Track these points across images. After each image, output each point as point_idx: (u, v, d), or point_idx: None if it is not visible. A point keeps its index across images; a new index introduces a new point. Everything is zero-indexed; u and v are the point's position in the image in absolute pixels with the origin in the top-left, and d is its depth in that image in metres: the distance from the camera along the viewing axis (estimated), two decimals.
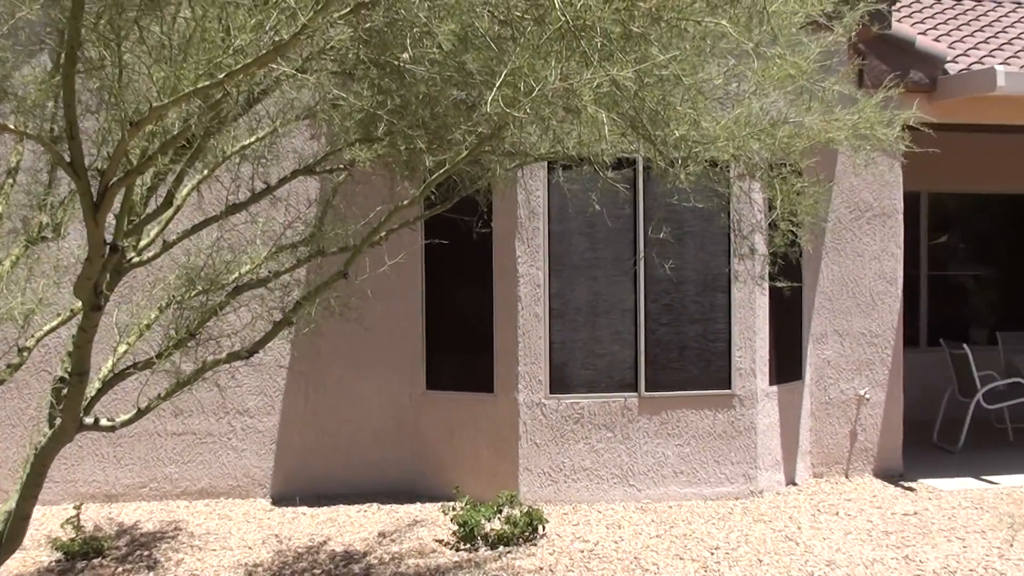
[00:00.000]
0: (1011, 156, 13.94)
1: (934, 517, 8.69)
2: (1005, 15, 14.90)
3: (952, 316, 13.99)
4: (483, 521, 7.71)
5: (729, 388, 9.37)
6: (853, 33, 9.64)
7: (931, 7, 14.83)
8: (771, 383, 9.65)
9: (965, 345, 11.39)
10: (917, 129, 11.24)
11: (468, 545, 7.72)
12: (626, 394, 9.16)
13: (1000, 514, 8.74)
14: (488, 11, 3.72)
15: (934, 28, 13.42)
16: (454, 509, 7.90)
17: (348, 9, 3.73)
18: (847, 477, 10.22)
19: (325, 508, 9.08)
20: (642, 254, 9.06)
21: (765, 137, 4.89)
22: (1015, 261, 14.32)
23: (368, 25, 4.29)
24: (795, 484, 9.91)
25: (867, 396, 10.27)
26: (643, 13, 3.35)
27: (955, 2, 15.40)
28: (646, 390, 9.17)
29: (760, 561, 7.45)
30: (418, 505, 9.11)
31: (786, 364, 9.90)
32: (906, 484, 9.93)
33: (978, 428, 12.26)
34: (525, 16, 3.62)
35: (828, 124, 5.31)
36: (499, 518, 7.85)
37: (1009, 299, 14.33)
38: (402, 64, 4.23)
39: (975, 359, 11.52)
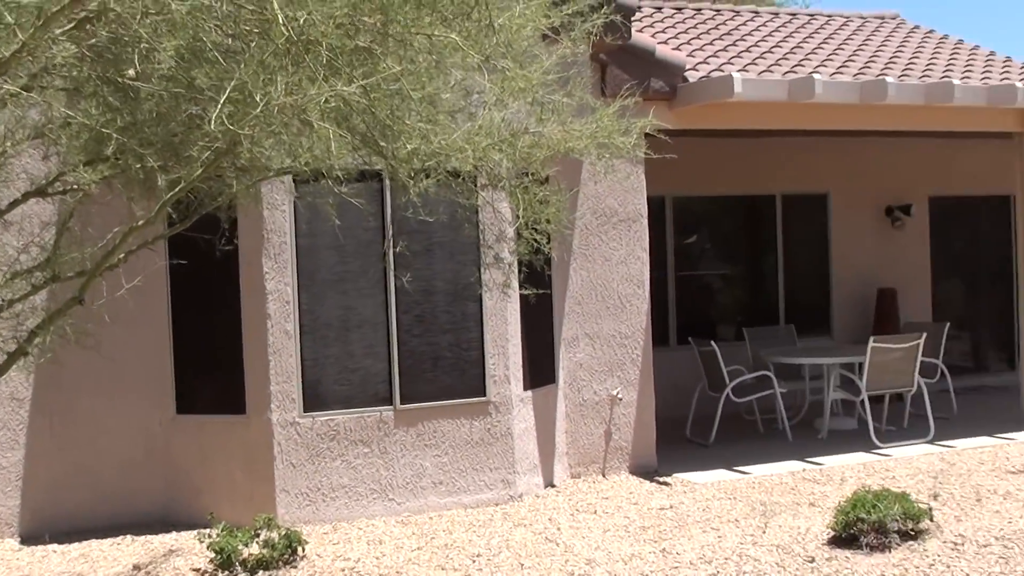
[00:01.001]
0: (751, 159, 14.60)
1: (689, 509, 9.02)
2: (743, 24, 15.62)
3: (700, 315, 14.56)
4: (241, 546, 7.60)
5: (484, 395, 9.52)
6: (593, 44, 9.96)
7: (671, 16, 15.41)
8: (525, 388, 9.84)
9: (713, 342, 11.88)
10: (659, 136, 11.74)
11: (226, 572, 7.60)
12: (381, 408, 9.19)
13: (752, 503, 9.13)
14: (216, 25, 3.70)
15: (675, 37, 13.95)
16: (210, 536, 7.76)
17: (72, 25, 3.66)
18: (604, 476, 10.51)
19: (77, 544, 8.79)
20: (392, 266, 9.11)
21: (506, 147, 5.01)
22: (758, 259, 15.01)
23: (93, 41, 4.21)
24: (554, 486, 10.13)
25: (620, 396, 10.59)
26: (369, 28, 3.40)
27: (695, 11, 16.04)
28: (401, 403, 9.22)
29: (522, 565, 7.59)
30: (174, 534, 8.91)
31: (539, 369, 10.12)
32: (661, 479, 10.28)
33: (729, 421, 12.76)
34: (252, 30, 3.62)
35: (568, 134, 5.47)
36: (257, 542, 7.76)
37: (754, 296, 15.00)
38: (128, 81, 4.16)
39: (725, 355, 12.01)
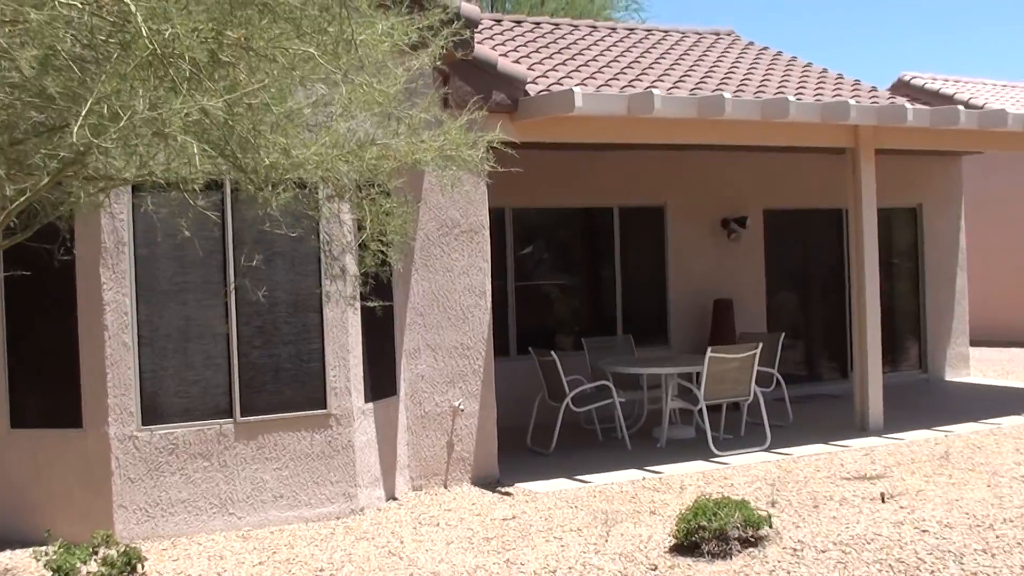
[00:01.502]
0: (590, 171, 14.92)
1: (532, 519, 9.19)
2: (582, 38, 15.95)
3: (540, 325, 14.82)
4: (79, 564, 7.50)
5: (325, 408, 9.56)
6: (438, 57, 10.09)
7: (511, 30, 15.65)
8: (367, 400, 9.91)
9: (553, 352, 12.10)
10: (501, 148, 11.92)
11: None
12: (222, 420, 9.16)
13: (594, 511, 9.35)
14: (73, 35, 3.71)
15: (515, 50, 14.18)
16: (47, 554, 7.64)
17: None
18: (446, 487, 10.63)
19: None
20: (233, 277, 9.09)
21: (353, 159, 5.10)
22: (597, 270, 15.34)
23: None
24: (396, 499, 10.21)
25: (461, 407, 10.73)
26: (232, 42, 3.46)
27: (533, 24, 16.31)
28: (242, 415, 9.21)
29: None
30: (8, 553, 8.73)
31: (381, 381, 10.20)
32: (504, 489, 10.45)
33: (569, 431, 13.02)
34: (110, 40, 3.65)
35: (414, 146, 5.59)
36: (96, 560, 7.66)
37: (593, 307, 15.32)
38: None
39: (565, 365, 12.25)
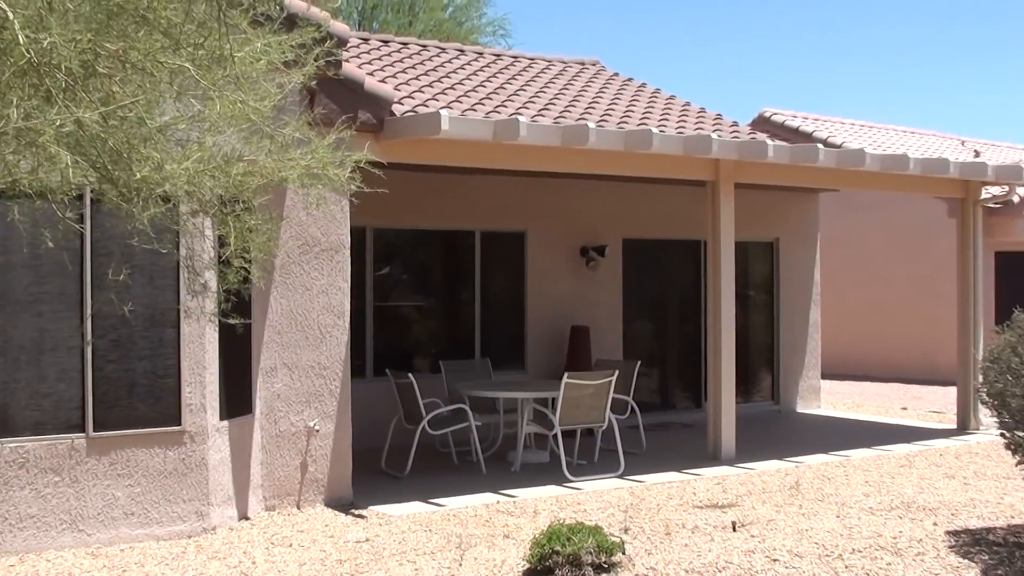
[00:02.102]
0: (452, 194, 15.10)
1: (385, 542, 9.28)
2: (450, 60, 16.15)
3: (398, 346, 14.93)
4: None
5: (179, 425, 9.54)
6: (306, 74, 10.16)
7: (378, 49, 15.76)
8: (222, 418, 9.91)
9: (410, 374, 12.22)
10: (366, 168, 12.02)
11: None
12: (74, 435, 9.08)
13: (448, 535, 9.48)
14: None
15: (381, 70, 14.32)
16: None
17: None
18: (299, 508, 10.66)
19: None
20: (90, 289, 9.03)
21: (219, 174, 5.16)
22: (456, 293, 15.52)
23: None
24: (248, 518, 10.21)
25: (317, 428, 10.78)
26: (110, 54, 3.53)
27: (401, 45, 16.47)
28: (95, 430, 9.14)
29: None
30: None
31: (237, 398, 10.21)
32: (357, 512, 10.52)
33: (426, 453, 13.14)
34: None
35: (281, 163, 5.67)
36: None
37: (451, 329, 15.49)
38: None
39: (422, 387, 12.38)
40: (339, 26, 10.24)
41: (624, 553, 8.32)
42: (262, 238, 5.94)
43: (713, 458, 13.33)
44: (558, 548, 7.83)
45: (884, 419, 17.62)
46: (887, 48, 70.34)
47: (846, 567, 8.19)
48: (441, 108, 11.70)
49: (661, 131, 12.36)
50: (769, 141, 12.98)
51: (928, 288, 23.64)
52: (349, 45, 15.17)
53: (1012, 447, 8.72)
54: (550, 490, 11.48)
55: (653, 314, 17.34)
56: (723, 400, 13.34)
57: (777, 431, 16.28)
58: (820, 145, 13.26)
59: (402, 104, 12.24)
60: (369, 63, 14.60)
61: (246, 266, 6.54)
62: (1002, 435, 8.90)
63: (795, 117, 25.96)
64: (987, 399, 8.88)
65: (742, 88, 70.93)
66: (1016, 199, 22.85)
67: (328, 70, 10.19)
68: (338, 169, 5.92)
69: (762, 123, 25.53)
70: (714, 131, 15.31)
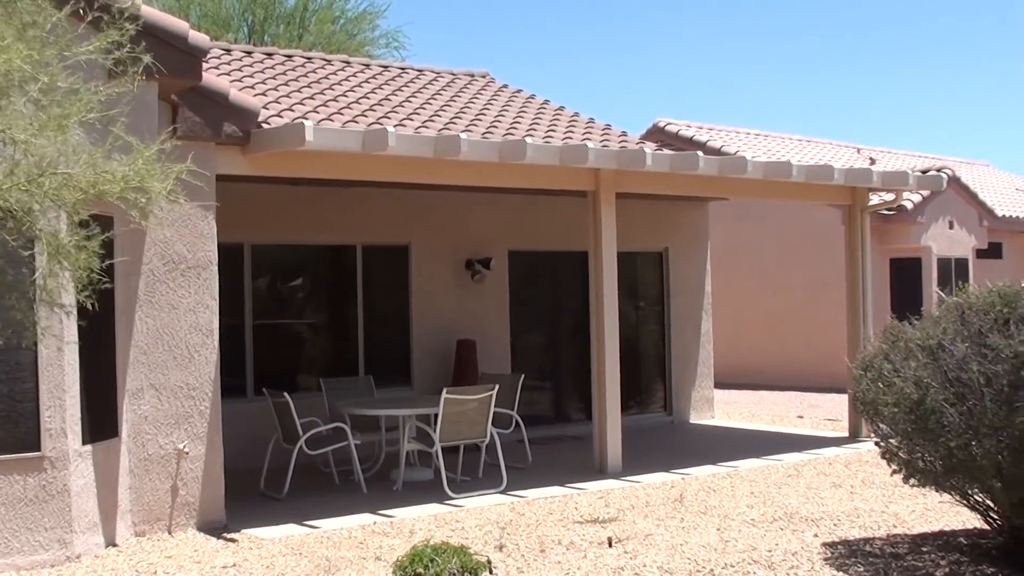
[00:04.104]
0: (333, 208, 14.91)
1: (254, 568, 9.07)
2: (314, 71, 15.97)
3: (279, 364, 14.69)
4: None
5: (39, 450, 9.26)
6: (163, 85, 9.95)
7: (240, 59, 15.55)
8: (85, 442, 9.64)
9: (286, 393, 12.01)
10: (235, 181, 11.82)
11: None
12: None
13: (318, 559, 9.28)
14: None
15: (263, 83, 14.12)
16: None
17: None
18: (170, 533, 10.40)
19: None
20: None
21: (35, 188, 4.95)
22: (339, 309, 15.32)
23: None
24: (116, 545, 9.94)
25: (187, 450, 10.54)
26: None
27: (265, 56, 16.26)
28: None
29: None
30: None
31: (101, 422, 9.94)
32: (229, 536, 10.29)
33: (308, 473, 12.95)
34: None
35: (99, 176, 5.46)
36: None
37: (334, 346, 15.29)
38: None
39: (304, 406, 12.19)
40: (197, 36, 10.03)
41: (491, 572, 8.19)
42: (84, 256, 5.71)
43: (599, 471, 13.24)
44: (420, 570, 7.67)
45: (778, 428, 17.69)
46: (790, 58, 71.29)
47: None
48: (307, 120, 11.47)
49: (536, 141, 12.23)
50: (647, 150, 12.92)
51: (824, 295, 23.82)
52: (220, 59, 14.99)
53: (887, 456, 8.71)
54: (430, 508, 11.33)
55: (543, 327, 17.27)
56: (608, 413, 13.26)
57: (667, 442, 16.26)
58: (699, 152, 13.23)
59: (281, 116, 12.05)
60: (250, 76, 14.38)
61: (106, 284, 6.32)
62: (877, 444, 8.88)
63: (689, 127, 26.13)
64: (860, 408, 8.86)
65: (643, 101, 71.44)
66: (910, 205, 23.20)
67: (186, 79, 10.05)
68: (161, 182, 5.71)
69: (656, 133, 25.66)
70: (602, 142, 15.28)
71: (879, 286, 22.86)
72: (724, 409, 20.25)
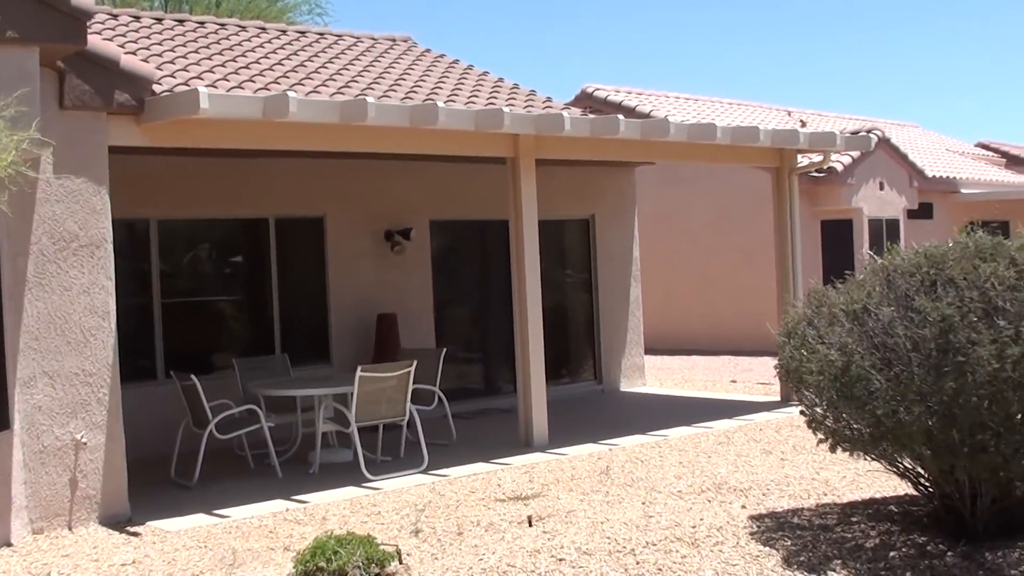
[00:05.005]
0: (244, 180, 14.21)
1: (154, 563, 8.48)
2: (228, 37, 15.27)
3: (193, 345, 13.99)
4: None
5: None
6: (45, 50, 9.26)
7: (150, 27, 14.81)
8: None
9: (193, 376, 11.36)
10: (131, 152, 11.14)
11: None
12: None
13: (225, 550, 8.69)
14: None
15: (157, 45, 13.38)
16: None
17: None
18: (70, 529, 9.76)
19: None
20: None
21: None
22: (253, 285, 14.63)
23: None
24: (11, 545, 9.29)
25: (85, 440, 9.88)
26: None
27: (176, 23, 15.51)
28: None
29: None
30: None
31: None
32: (133, 529, 9.68)
33: (222, 458, 12.35)
34: None
35: None
36: None
37: (250, 324, 14.64)
38: None
39: (217, 388, 11.58)
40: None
41: (401, 562, 7.63)
42: None
43: (525, 445, 12.72)
44: (323, 564, 7.10)
45: (710, 394, 17.27)
46: (722, 23, 71.06)
47: (637, 563, 7.58)
48: (202, 86, 10.75)
49: (449, 106, 11.61)
50: (566, 114, 12.31)
51: (756, 259, 23.43)
52: (114, 26, 14.23)
53: (813, 425, 8.22)
54: (347, 492, 10.74)
55: (469, 298, 16.67)
56: (532, 385, 12.73)
57: (596, 412, 15.76)
58: (620, 116, 12.67)
59: (188, 86, 11.29)
60: (123, 36, 13.56)
61: None
62: (802, 413, 8.39)
63: (617, 92, 25.63)
64: (785, 376, 8.37)
65: (576, 69, 70.93)
66: (840, 167, 22.87)
67: (69, 44, 9.36)
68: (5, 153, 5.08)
69: (584, 99, 25.16)
70: (526, 107, 14.71)
71: (811, 249, 22.52)
72: (657, 376, 19.82)
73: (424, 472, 11.45)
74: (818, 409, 8.05)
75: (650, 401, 16.80)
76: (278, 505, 10.31)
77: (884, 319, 7.53)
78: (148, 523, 9.85)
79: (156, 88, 10.62)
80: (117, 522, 9.96)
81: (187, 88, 10.50)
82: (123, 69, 10.09)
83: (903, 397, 7.24)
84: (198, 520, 9.89)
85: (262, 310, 14.62)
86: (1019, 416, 7.21)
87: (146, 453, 12.12)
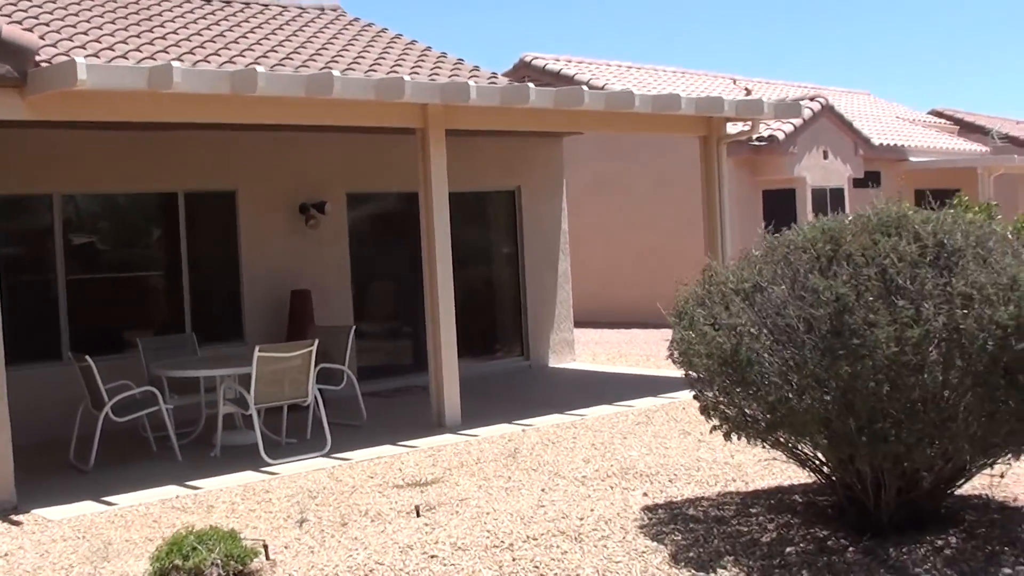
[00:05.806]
0: (152, 154, 13.73)
1: (28, 556, 8.08)
2: (146, 8, 14.78)
3: (99, 323, 13.52)
4: None
5: None
6: None
7: None
8: None
9: (88, 356, 10.94)
10: (15, 127, 10.69)
11: None
12: None
13: (102, 542, 8.30)
14: None
15: (59, 21, 12.84)
16: None
17: None
18: None
19: None
20: None
21: None
22: (161, 262, 14.16)
23: None
24: None
25: None
26: None
27: None
28: None
29: None
30: None
31: None
32: (16, 518, 9.27)
33: (125, 440, 11.98)
34: None
35: None
36: None
37: (159, 302, 14.19)
38: None
39: (122, 368, 11.15)
40: None
41: (268, 558, 7.26)
42: None
43: (438, 425, 12.36)
44: (178, 562, 6.71)
45: (640, 370, 16.92)
46: None
47: (514, 559, 7.17)
48: (80, 56, 10.19)
49: (346, 75, 11.16)
50: (472, 82, 11.86)
51: (696, 229, 22.96)
52: None
53: (705, 412, 7.84)
54: (242, 477, 10.35)
55: (389, 272, 16.20)
56: (444, 363, 12.35)
57: (518, 390, 15.41)
58: (531, 85, 12.26)
59: (75, 58, 10.73)
60: (60, 20, 13.01)
61: None
62: (695, 398, 8.03)
63: (557, 60, 25.21)
64: (677, 359, 8.01)
65: (517, 38, 70.33)
66: (782, 136, 22.54)
67: None
68: None
69: (522, 68, 24.74)
70: (451, 76, 14.28)
71: (752, 218, 22.16)
72: (592, 350, 19.48)
73: (326, 455, 11.06)
74: (709, 393, 7.70)
75: (576, 377, 16.47)
76: (169, 491, 9.91)
77: (776, 298, 7.17)
78: (33, 511, 9.45)
79: (41, 59, 10.16)
80: (2, 511, 9.55)
81: (66, 59, 10.01)
82: (3, 39, 9.62)
83: (797, 382, 6.88)
84: (84, 508, 9.49)
85: (172, 287, 14.14)
86: (921, 403, 6.83)
87: (49, 436, 11.70)
